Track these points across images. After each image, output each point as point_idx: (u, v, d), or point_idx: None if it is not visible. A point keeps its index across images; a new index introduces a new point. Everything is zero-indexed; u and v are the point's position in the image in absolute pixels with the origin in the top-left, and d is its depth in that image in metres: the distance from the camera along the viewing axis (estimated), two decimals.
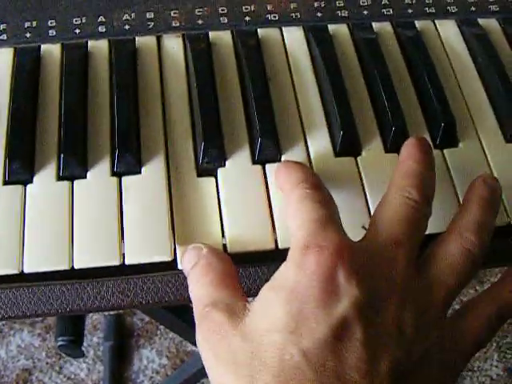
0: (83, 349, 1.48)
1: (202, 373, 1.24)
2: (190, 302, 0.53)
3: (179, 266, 0.52)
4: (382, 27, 0.66)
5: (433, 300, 0.48)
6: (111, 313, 1.49)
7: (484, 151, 0.59)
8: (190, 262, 0.51)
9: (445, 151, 0.58)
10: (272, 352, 0.43)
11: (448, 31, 0.66)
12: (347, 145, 0.56)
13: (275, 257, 0.51)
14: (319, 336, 0.43)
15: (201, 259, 0.50)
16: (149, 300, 0.54)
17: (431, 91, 0.60)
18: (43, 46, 0.62)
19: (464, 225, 0.51)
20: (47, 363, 1.46)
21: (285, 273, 0.46)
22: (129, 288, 0.53)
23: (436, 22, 0.67)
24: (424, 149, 0.53)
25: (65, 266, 0.51)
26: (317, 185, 0.50)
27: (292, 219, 0.49)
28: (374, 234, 0.49)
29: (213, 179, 0.55)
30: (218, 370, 0.45)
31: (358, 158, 0.57)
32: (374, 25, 0.65)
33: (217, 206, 0.54)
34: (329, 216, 0.48)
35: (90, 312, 0.56)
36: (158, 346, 1.49)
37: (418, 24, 0.66)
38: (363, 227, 0.53)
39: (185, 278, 0.52)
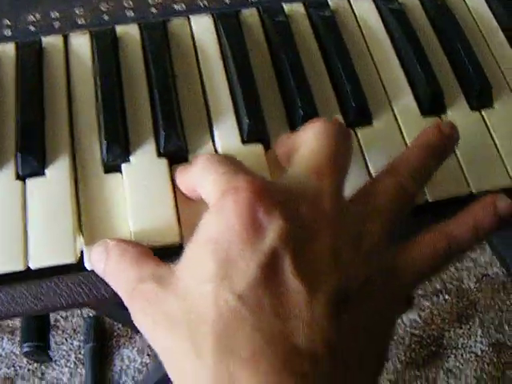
0: (64, 352, 1.48)
1: None
2: (105, 299, 0.52)
3: (87, 267, 0.51)
4: (294, 9, 0.64)
5: (368, 228, 0.46)
6: (90, 314, 1.49)
7: (400, 127, 0.58)
8: (101, 259, 0.49)
9: (358, 131, 0.57)
10: (206, 302, 0.42)
11: (363, 8, 0.65)
12: (254, 133, 0.55)
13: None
14: (250, 276, 0.41)
15: (111, 251, 0.49)
16: (63, 303, 0.53)
17: (342, 72, 0.59)
18: None
19: (401, 164, 0.50)
20: (29, 370, 1.46)
21: (205, 223, 0.45)
22: (41, 292, 0.53)
23: None
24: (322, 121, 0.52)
25: None
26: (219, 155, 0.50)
27: (201, 185, 0.48)
28: (295, 168, 0.48)
29: (120, 175, 0.54)
30: (157, 337, 0.44)
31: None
32: (286, 7, 0.64)
33: (124, 202, 0.53)
34: (239, 166, 0.47)
35: (5, 319, 0.55)
36: (138, 344, 1.49)
37: (331, 3, 0.65)
38: None
39: (98, 277, 0.51)
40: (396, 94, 0.60)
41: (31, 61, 0.59)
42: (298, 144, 0.50)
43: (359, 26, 0.64)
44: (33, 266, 0.50)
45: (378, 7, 0.65)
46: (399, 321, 1.54)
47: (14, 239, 0.51)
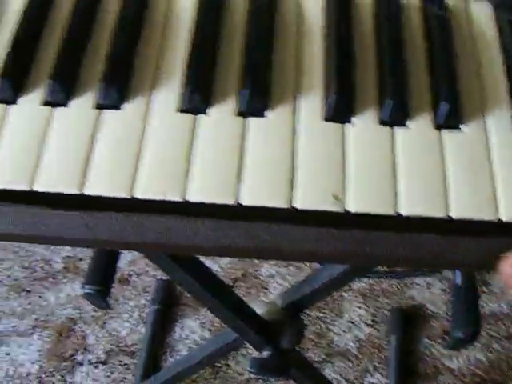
0: (129, 308, 1.51)
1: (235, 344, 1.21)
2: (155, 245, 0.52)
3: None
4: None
5: None
6: (163, 278, 1.51)
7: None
8: None
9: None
10: None
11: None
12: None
13: None
14: None
15: None
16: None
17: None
18: None
19: None
20: (92, 316, 1.49)
21: None
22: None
23: None
24: None
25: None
26: None
27: None
28: None
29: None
30: None
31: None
32: None
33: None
34: None
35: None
36: (202, 317, 1.50)
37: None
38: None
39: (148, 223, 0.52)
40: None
41: None
42: None
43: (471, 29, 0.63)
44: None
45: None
46: (463, 355, 1.49)
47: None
